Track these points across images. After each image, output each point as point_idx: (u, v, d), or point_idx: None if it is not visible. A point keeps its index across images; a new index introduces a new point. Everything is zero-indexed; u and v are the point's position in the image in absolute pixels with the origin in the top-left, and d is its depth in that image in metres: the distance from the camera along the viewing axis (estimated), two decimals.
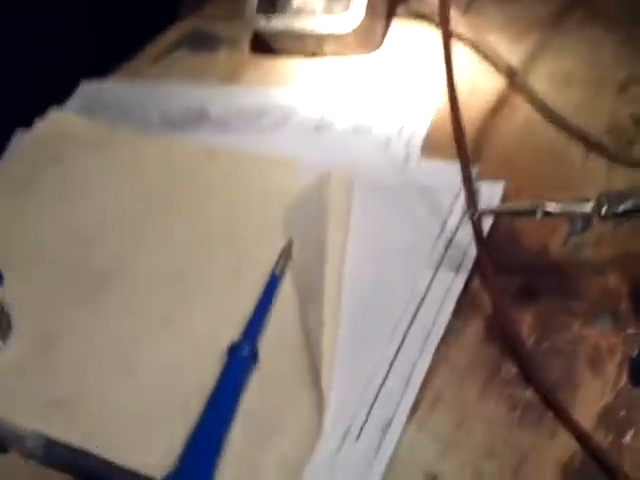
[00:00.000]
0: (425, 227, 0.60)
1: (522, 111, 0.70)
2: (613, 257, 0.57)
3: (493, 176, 0.63)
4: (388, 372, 0.52)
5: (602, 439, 0.49)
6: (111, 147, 0.70)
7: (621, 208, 0.50)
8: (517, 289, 0.56)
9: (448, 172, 0.61)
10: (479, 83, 0.73)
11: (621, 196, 0.51)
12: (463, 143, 0.57)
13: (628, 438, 0.48)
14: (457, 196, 0.61)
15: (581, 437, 0.48)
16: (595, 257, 0.58)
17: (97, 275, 0.61)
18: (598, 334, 0.54)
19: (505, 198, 0.61)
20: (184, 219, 0.64)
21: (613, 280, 0.56)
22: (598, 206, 0.51)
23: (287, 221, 0.62)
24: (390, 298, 0.56)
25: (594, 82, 0.72)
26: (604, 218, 0.51)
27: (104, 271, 0.61)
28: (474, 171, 0.59)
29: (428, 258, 0.57)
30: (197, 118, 0.73)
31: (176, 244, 0.62)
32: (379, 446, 0.49)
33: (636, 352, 0.52)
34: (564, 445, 0.49)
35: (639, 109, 0.68)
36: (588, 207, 0.51)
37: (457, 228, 0.60)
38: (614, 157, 0.64)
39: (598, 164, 0.65)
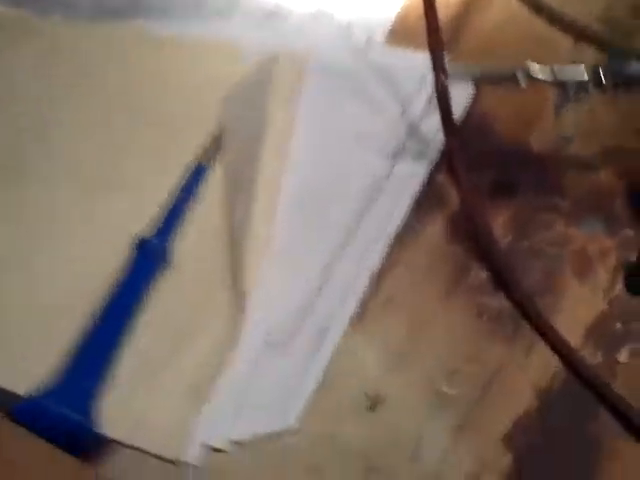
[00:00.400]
0: (385, 113, 0.48)
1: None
2: (606, 150, 0.45)
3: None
4: (330, 271, 0.40)
5: (591, 356, 0.37)
6: (35, 34, 0.57)
7: (625, 72, 0.37)
8: (491, 184, 0.44)
9: (414, 58, 0.49)
10: None
11: (624, 58, 0.38)
12: (433, 12, 0.44)
13: (624, 355, 0.36)
14: (423, 82, 0.49)
15: (564, 352, 0.37)
16: (584, 150, 0.45)
17: (7, 165, 0.48)
18: (587, 235, 0.42)
19: (479, 88, 0.49)
20: (112, 105, 0.51)
21: (605, 176, 0.44)
22: (595, 72, 0.38)
23: (225, 108, 0.49)
24: (340, 188, 0.44)
25: None
26: (602, 88, 0.38)
27: (15, 161, 0.48)
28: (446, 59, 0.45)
29: (386, 146, 0.45)
30: (134, 5, 0.60)
31: (97, 131, 0.50)
32: (311, 359, 0.37)
33: (635, 256, 0.39)
34: (543, 362, 0.37)
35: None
36: (583, 72, 0.38)
37: (422, 116, 0.47)
38: (606, 46, 0.51)
39: (588, 54, 0.52)
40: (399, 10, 0.57)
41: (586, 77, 0.38)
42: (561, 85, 0.39)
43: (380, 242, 0.41)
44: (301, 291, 0.39)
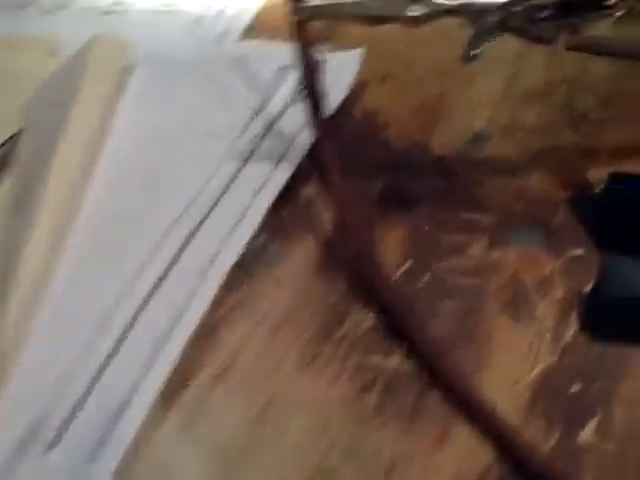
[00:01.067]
0: (237, 107, 0.33)
1: None
2: (533, 148, 0.31)
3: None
4: (128, 329, 0.25)
5: (540, 437, 0.22)
6: None
7: None
8: (380, 194, 0.30)
9: (275, 49, 0.36)
10: None
11: None
12: None
13: (588, 432, 0.22)
14: (284, 71, 0.35)
15: (499, 433, 0.22)
16: (505, 149, 0.31)
17: None
18: (518, 259, 0.27)
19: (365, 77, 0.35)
20: None
21: (537, 180, 0.30)
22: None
23: (28, 108, 0.35)
24: (164, 200, 0.29)
25: None
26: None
27: None
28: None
29: (237, 144, 0.31)
30: None
31: None
32: (92, 463, 0.21)
33: (591, 285, 0.25)
34: (465, 452, 0.22)
35: None
36: None
37: (283, 111, 0.33)
38: None
39: None
40: (259, 6, 0.43)
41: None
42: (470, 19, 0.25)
43: (208, 280, 0.26)
44: (82, 358, 0.24)
